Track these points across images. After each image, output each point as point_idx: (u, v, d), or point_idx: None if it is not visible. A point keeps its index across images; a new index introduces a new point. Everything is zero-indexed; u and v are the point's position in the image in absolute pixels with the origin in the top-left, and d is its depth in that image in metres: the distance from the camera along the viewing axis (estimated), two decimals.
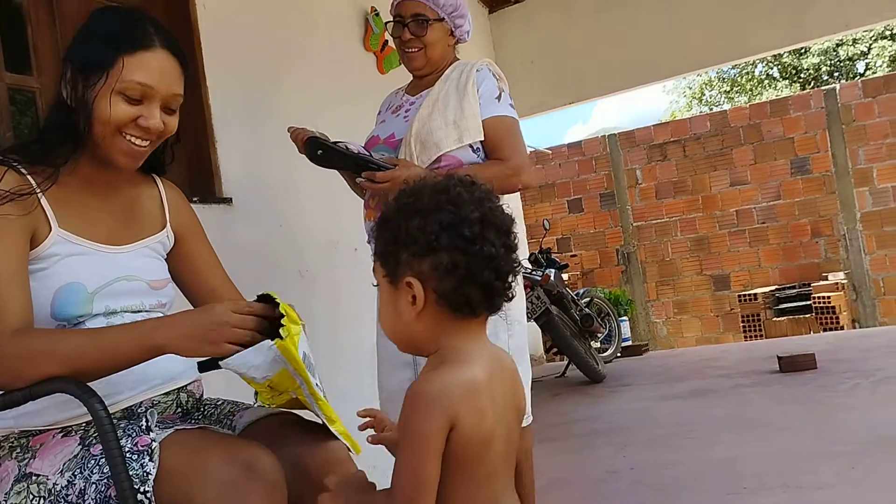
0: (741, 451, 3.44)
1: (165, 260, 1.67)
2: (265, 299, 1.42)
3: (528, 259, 6.65)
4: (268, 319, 1.38)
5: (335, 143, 2.23)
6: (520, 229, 7.61)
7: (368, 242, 2.40)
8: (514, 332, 2.29)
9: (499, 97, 2.31)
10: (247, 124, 3.06)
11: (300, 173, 3.18)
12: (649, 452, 3.68)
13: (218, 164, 2.88)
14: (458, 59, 2.44)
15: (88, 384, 1.32)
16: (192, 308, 1.50)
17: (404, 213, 1.10)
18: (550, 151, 10.32)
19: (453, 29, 2.40)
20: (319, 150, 2.22)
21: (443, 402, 1.02)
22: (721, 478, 3.09)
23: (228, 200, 2.89)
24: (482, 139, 2.27)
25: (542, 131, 37.77)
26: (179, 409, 1.57)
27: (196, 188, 2.84)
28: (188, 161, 2.85)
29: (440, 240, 1.07)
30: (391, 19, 2.41)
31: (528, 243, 7.80)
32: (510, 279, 1.11)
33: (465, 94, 2.28)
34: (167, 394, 1.54)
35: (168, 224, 1.66)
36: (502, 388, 1.11)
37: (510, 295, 1.13)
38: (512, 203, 2.42)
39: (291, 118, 3.27)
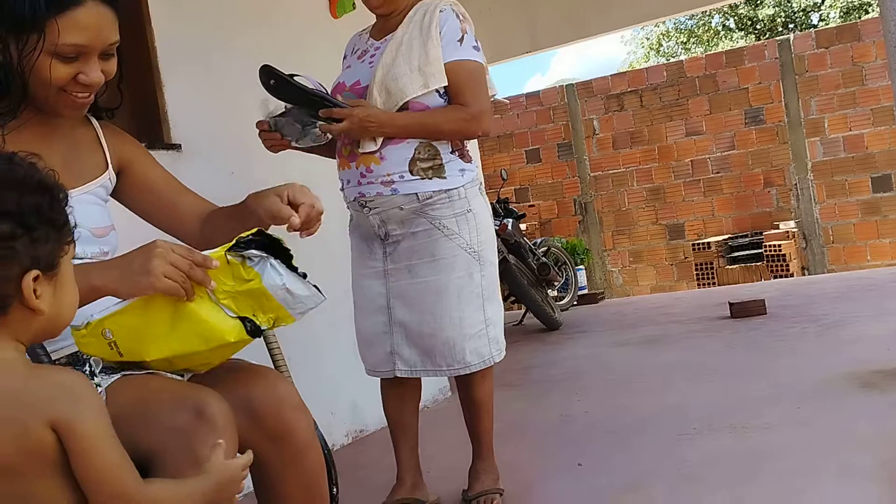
0: (691, 396, 3.52)
1: (109, 201, 1.63)
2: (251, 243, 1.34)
3: None
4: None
5: (291, 75, 2.18)
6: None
7: (342, 190, 2.40)
8: (486, 272, 2.33)
9: (461, 39, 2.26)
10: (195, 67, 2.97)
11: (251, 118, 3.11)
12: (603, 397, 3.74)
13: (166, 108, 2.79)
14: None
15: None
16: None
17: None
18: (508, 101, 10.27)
19: None
20: (272, 79, 2.17)
21: None
22: (672, 421, 3.16)
23: (177, 147, 2.81)
24: (447, 84, 2.25)
25: (502, 81, 37.54)
26: None
27: (142, 134, 2.75)
28: (132, 106, 2.76)
29: None
30: None
31: (487, 193, 7.79)
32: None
33: (428, 38, 2.23)
34: None
35: (109, 164, 1.61)
36: None
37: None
38: (470, 152, 2.40)
39: (239, 62, 3.19)
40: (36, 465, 0.91)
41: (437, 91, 2.25)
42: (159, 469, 1.23)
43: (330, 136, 2.26)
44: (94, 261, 1.52)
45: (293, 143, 2.30)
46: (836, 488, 2.23)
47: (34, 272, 0.96)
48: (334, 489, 1.72)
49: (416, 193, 2.26)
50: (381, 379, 2.47)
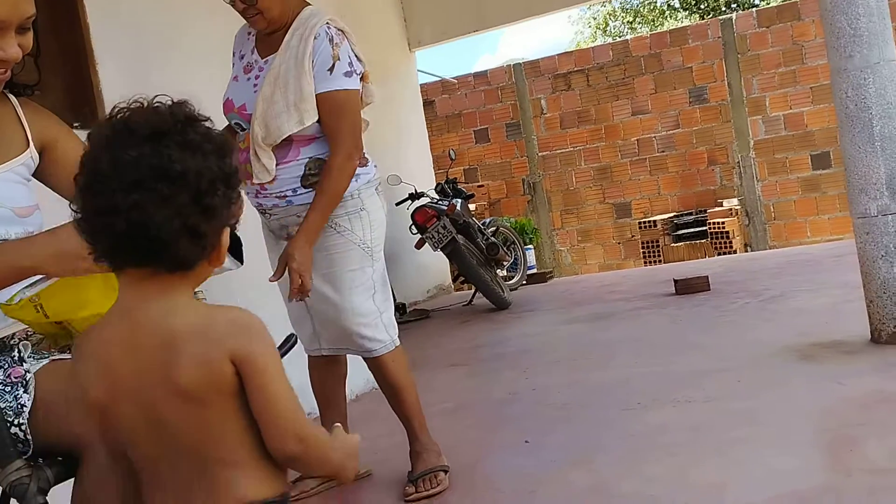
0: (636, 370, 3.57)
1: (31, 180, 1.58)
2: None
3: (435, 189, 6.64)
4: None
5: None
6: (425, 160, 7.59)
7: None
8: (376, 266, 2.45)
9: (331, 68, 2.29)
10: (131, 46, 2.89)
11: (188, 97, 3.05)
12: (551, 374, 3.78)
13: (99, 87, 2.72)
14: (307, 5, 2.39)
15: None
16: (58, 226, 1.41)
17: None
18: (457, 81, 10.24)
19: None
20: None
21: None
22: (617, 395, 3.20)
23: None
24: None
25: (451, 61, 37.51)
26: None
27: (77, 112, 2.68)
28: (66, 84, 2.68)
29: None
30: None
31: (435, 173, 7.79)
32: (146, 229, 0.95)
33: (302, 72, 2.28)
34: None
35: (30, 142, 1.56)
36: (130, 352, 0.98)
37: (168, 248, 0.96)
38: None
39: (178, 41, 3.12)
40: (218, 396, 0.97)
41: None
42: (88, 457, 1.20)
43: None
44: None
45: None
46: (777, 457, 2.28)
47: (228, 228, 1.04)
48: None
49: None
50: (308, 356, 2.60)
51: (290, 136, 2.29)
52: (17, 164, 1.52)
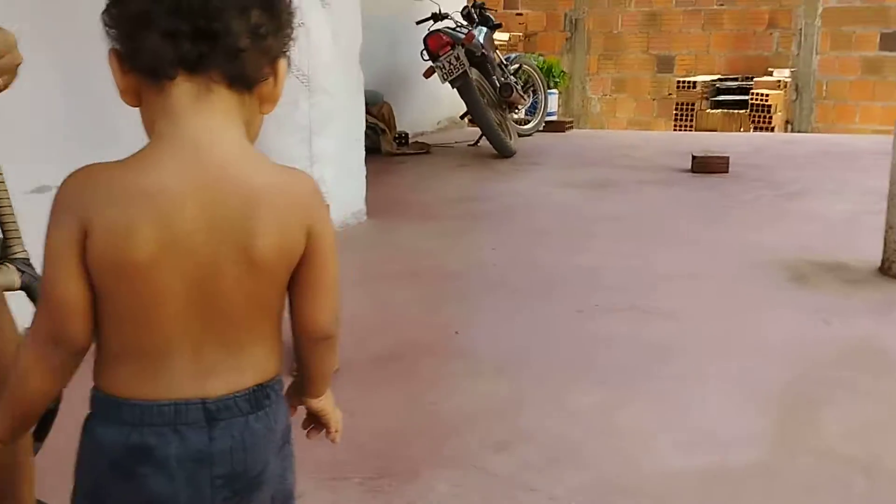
0: (609, 260, 3.21)
1: None
2: None
3: (461, 12, 6.03)
4: None
5: None
6: None
7: None
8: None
9: None
10: None
11: None
12: (520, 249, 3.43)
13: None
14: None
15: None
16: None
17: None
18: None
19: None
20: None
21: (74, 203, 0.79)
22: (578, 289, 2.87)
23: None
24: None
25: None
26: None
27: None
28: None
29: None
30: None
31: None
32: (208, 20, 0.78)
33: None
34: None
35: None
36: (204, 205, 0.80)
37: (220, 41, 0.79)
38: None
39: None
40: (284, 270, 0.86)
41: None
42: None
43: None
44: None
45: None
46: (722, 413, 1.97)
47: (285, 63, 0.87)
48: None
49: None
50: None
51: None
52: None
